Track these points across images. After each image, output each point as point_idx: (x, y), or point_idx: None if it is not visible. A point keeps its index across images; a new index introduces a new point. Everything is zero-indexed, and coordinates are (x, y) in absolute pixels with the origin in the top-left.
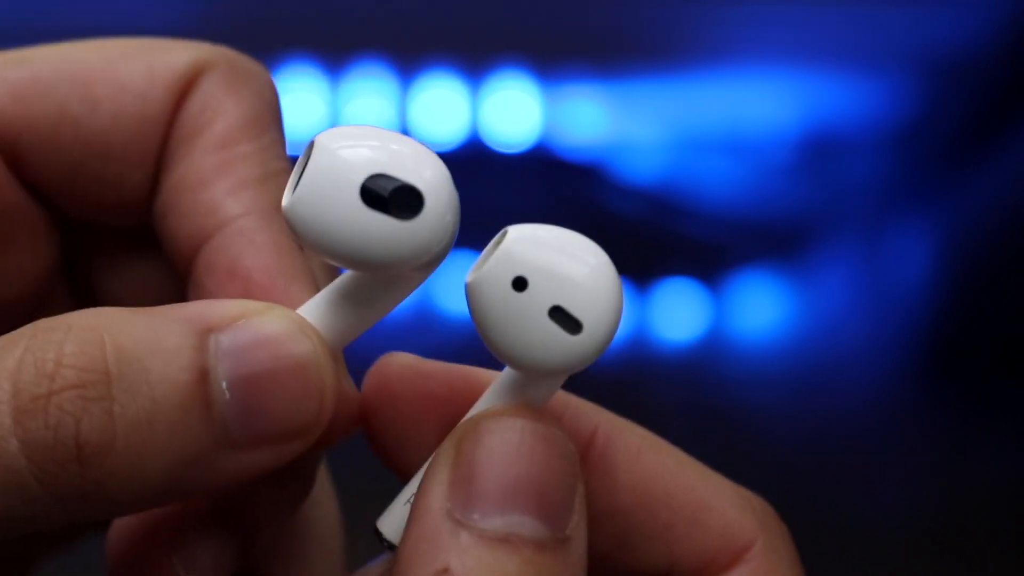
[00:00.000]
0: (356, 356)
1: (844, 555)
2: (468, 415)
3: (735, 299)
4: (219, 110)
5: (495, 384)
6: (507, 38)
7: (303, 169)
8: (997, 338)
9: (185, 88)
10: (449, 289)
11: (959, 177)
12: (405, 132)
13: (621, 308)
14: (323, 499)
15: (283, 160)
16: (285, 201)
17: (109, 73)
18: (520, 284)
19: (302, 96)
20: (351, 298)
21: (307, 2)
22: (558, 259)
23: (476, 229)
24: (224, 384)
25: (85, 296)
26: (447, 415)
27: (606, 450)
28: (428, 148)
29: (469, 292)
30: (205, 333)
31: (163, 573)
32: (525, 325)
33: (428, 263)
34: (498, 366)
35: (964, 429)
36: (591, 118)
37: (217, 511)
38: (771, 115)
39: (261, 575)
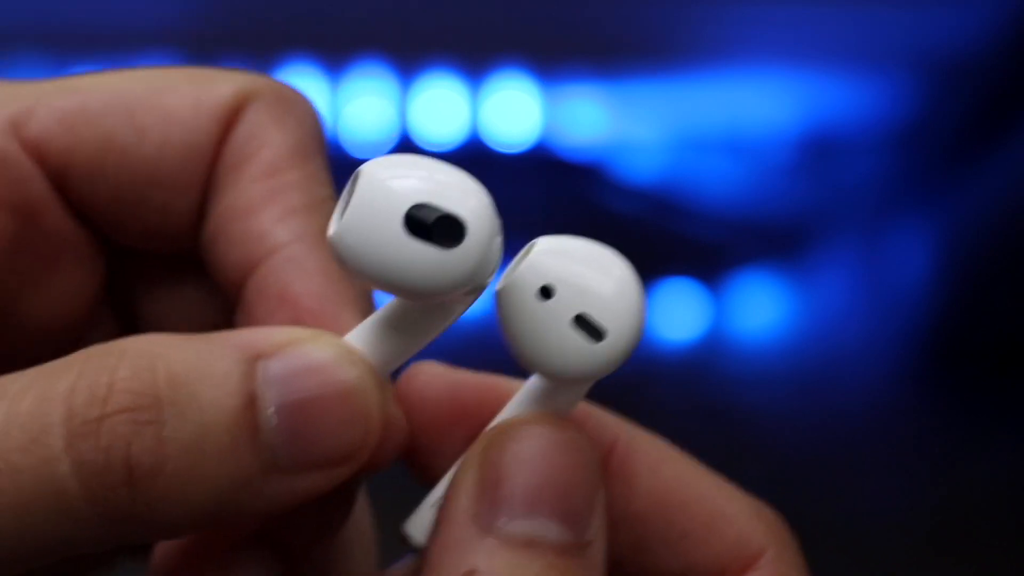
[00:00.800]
0: None
1: (844, 555)
2: (494, 422)
3: (735, 299)
4: (265, 139)
5: (521, 392)
6: (507, 38)
7: (349, 198)
8: (997, 338)
9: (231, 118)
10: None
11: (959, 177)
12: (405, 132)
13: (644, 318)
14: (359, 516)
15: (328, 187)
16: (331, 230)
17: (156, 102)
18: (546, 292)
19: None
20: (397, 324)
21: (307, 2)
22: (583, 269)
23: None
24: (272, 410)
25: (128, 320)
26: (475, 424)
27: (626, 458)
28: (471, 177)
29: (498, 299)
30: (254, 359)
31: None
32: (550, 332)
33: (472, 291)
34: (521, 376)
35: (964, 429)
36: (591, 118)
37: (261, 534)
38: (771, 115)
39: None
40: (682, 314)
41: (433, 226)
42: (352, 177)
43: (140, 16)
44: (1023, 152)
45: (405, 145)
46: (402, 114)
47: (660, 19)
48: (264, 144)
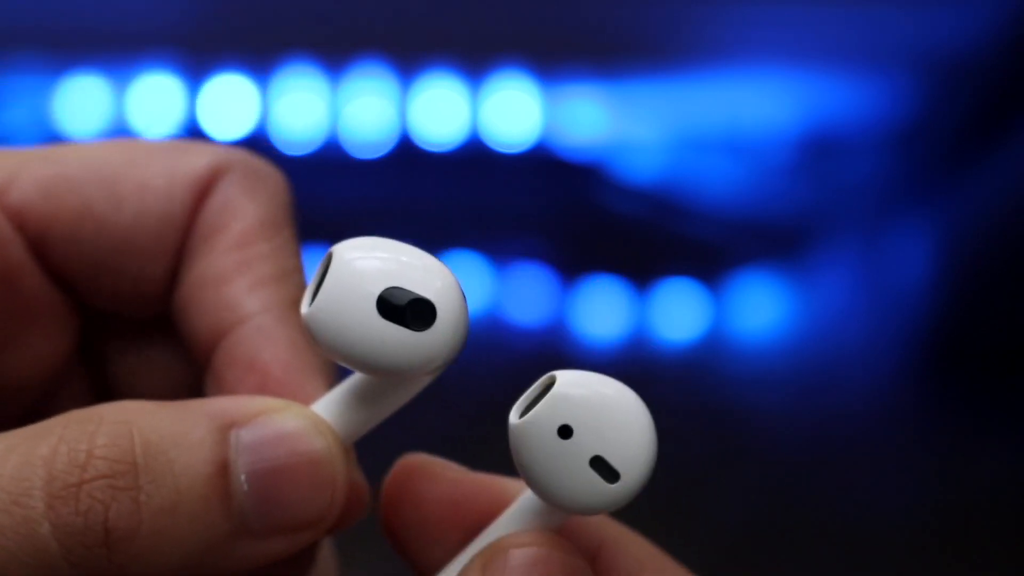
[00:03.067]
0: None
1: (844, 555)
2: (490, 529)
3: (735, 299)
4: (237, 211)
5: (521, 503)
6: (507, 38)
7: (321, 278)
8: (997, 338)
9: (205, 189)
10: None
11: (959, 177)
12: (405, 132)
13: (655, 458)
14: (323, 553)
15: (297, 258)
16: (304, 309)
17: (133, 173)
18: (565, 432)
19: (302, 96)
20: (362, 397)
21: (307, 2)
22: (601, 411)
23: (476, 229)
24: (243, 477)
25: (99, 380)
26: (470, 523)
27: (612, 564)
28: (439, 260)
29: (514, 435)
30: (227, 428)
31: None
32: (566, 471)
33: (439, 367)
34: (511, 472)
35: (964, 429)
36: (591, 118)
37: None
38: (771, 115)
39: None
40: (682, 314)
41: (406, 309)
42: (325, 258)
43: (140, 16)
44: (1023, 152)
45: (405, 145)
46: (402, 114)
47: (660, 19)
48: (236, 215)
